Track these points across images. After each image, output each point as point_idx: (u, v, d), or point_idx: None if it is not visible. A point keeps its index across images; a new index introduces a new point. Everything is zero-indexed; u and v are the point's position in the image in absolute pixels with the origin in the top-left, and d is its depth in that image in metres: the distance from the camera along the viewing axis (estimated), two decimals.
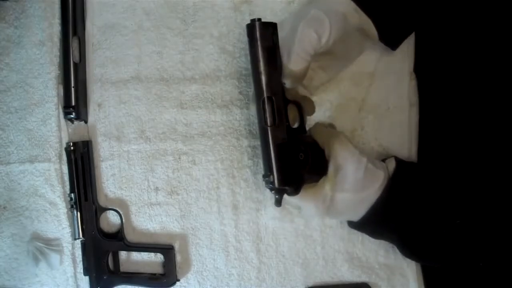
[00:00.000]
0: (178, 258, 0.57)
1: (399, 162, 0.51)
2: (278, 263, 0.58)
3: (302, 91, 0.52)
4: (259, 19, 0.44)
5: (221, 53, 0.57)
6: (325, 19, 0.47)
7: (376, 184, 0.48)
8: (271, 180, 0.44)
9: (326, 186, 0.48)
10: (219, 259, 0.57)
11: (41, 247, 0.55)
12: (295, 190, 0.46)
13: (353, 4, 0.49)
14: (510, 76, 0.52)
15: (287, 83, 0.47)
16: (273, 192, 0.46)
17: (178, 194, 0.57)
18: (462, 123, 0.55)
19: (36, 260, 0.56)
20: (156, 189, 0.57)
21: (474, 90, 0.55)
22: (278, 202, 0.46)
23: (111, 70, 0.57)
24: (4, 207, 0.56)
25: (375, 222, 0.49)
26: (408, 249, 0.52)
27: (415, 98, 0.57)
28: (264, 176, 0.45)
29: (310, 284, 0.57)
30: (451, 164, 0.51)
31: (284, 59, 0.47)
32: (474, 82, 0.55)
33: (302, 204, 0.49)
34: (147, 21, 0.57)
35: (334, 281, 0.57)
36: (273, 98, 0.45)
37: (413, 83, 0.57)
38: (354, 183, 0.47)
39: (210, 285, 0.57)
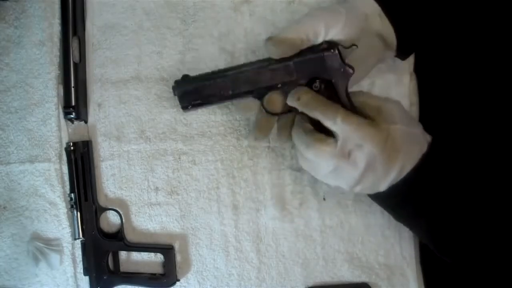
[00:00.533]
0: (178, 258, 0.57)
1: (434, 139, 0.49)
2: (278, 263, 0.58)
3: None
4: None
5: (221, 53, 0.57)
6: (342, 12, 0.46)
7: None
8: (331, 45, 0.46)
9: (382, 124, 0.45)
10: (219, 259, 0.57)
11: (41, 247, 0.55)
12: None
13: (377, 8, 0.48)
14: (510, 76, 0.52)
15: (268, 46, 0.47)
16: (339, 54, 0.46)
17: (178, 194, 0.57)
18: (463, 123, 0.55)
19: (36, 260, 0.56)
20: (156, 189, 0.57)
21: (474, 89, 0.55)
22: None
23: (111, 70, 0.57)
24: (4, 207, 0.56)
25: (406, 193, 0.47)
26: (436, 239, 0.49)
27: (415, 98, 0.58)
28: (324, 48, 0.47)
29: (310, 284, 0.58)
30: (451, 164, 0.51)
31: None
32: (474, 82, 0.55)
33: (362, 141, 0.44)
34: (147, 21, 0.57)
35: (334, 281, 0.58)
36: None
37: (413, 83, 0.57)
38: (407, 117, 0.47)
39: (210, 285, 0.57)
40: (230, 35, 0.57)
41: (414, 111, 0.57)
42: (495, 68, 0.53)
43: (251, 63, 0.49)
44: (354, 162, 0.45)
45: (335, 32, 0.47)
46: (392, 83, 0.57)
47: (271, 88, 0.49)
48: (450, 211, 0.47)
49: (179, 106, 0.50)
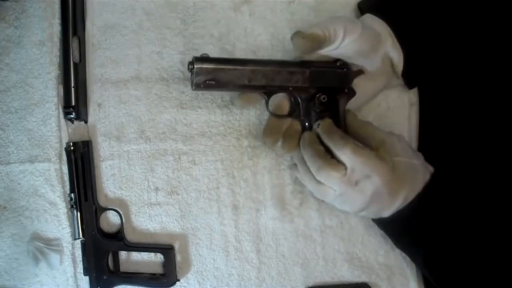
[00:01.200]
0: (178, 258, 0.57)
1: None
2: (278, 263, 0.58)
3: None
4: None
5: (221, 53, 0.57)
6: (359, 23, 0.49)
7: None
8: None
9: (386, 156, 0.47)
10: (219, 259, 0.57)
11: (41, 247, 0.55)
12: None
13: (388, 28, 0.50)
14: (510, 76, 0.52)
15: (296, 39, 0.48)
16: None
17: (178, 194, 0.57)
18: (462, 123, 0.55)
19: (36, 260, 0.55)
20: (156, 189, 0.57)
21: (474, 89, 0.55)
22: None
23: (111, 70, 0.57)
24: (4, 207, 0.56)
25: (407, 220, 0.48)
26: (433, 269, 0.50)
27: (415, 98, 0.58)
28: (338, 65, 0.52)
29: (310, 284, 0.58)
30: (451, 165, 0.51)
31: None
32: (474, 82, 0.55)
33: (370, 173, 0.46)
34: (147, 21, 0.57)
35: (334, 281, 0.58)
36: None
37: None
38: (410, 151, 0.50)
39: (210, 285, 0.57)
40: (230, 35, 0.57)
41: (414, 111, 0.57)
42: (495, 67, 0.53)
43: (271, 60, 0.51)
44: (361, 190, 0.47)
45: (351, 39, 0.48)
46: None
47: (283, 89, 0.51)
48: (449, 241, 0.48)
49: (192, 83, 0.50)
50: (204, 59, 0.50)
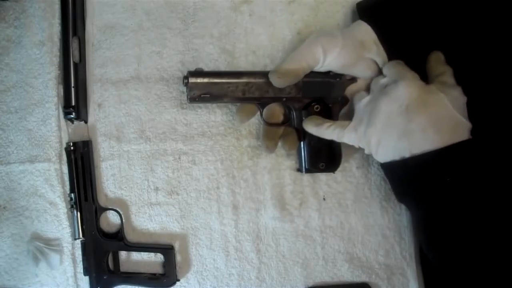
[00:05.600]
0: (178, 258, 0.57)
1: None
2: (278, 263, 0.58)
3: None
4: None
5: (221, 53, 0.57)
6: (338, 37, 0.49)
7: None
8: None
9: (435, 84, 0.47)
10: (219, 259, 0.57)
11: (41, 247, 0.55)
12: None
13: (374, 35, 0.50)
14: (510, 76, 0.52)
15: (273, 79, 0.50)
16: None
17: (178, 194, 0.57)
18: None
19: (36, 260, 0.56)
20: (156, 189, 0.57)
21: (474, 89, 0.55)
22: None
23: (111, 70, 0.57)
24: (4, 207, 0.56)
25: (416, 172, 0.46)
26: (430, 234, 0.49)
27: None
28: (331, 76, 0.53)
29: (310, 284, 0.58)
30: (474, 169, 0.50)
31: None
32: (474, 82, 0.55)
33: (397, 77, 0.47)
34: (147, 21, 0.57)
35: (334, 281, 0.58)
36: None
37: None
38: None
39: (210, 285, 0.57)
40: (230, 35, 0.57)
41: None
42: (495, 67, 0.53)
43: (265, 72, 0.52)
44: (386, 92, 0.47)
45: (332, 56, 0.49)
46: None
47: (277, 99, 0.53)
48: (453, 210, 0.46)
49: (187, 96, 0.52)
50: (198, 73, 0.51)
